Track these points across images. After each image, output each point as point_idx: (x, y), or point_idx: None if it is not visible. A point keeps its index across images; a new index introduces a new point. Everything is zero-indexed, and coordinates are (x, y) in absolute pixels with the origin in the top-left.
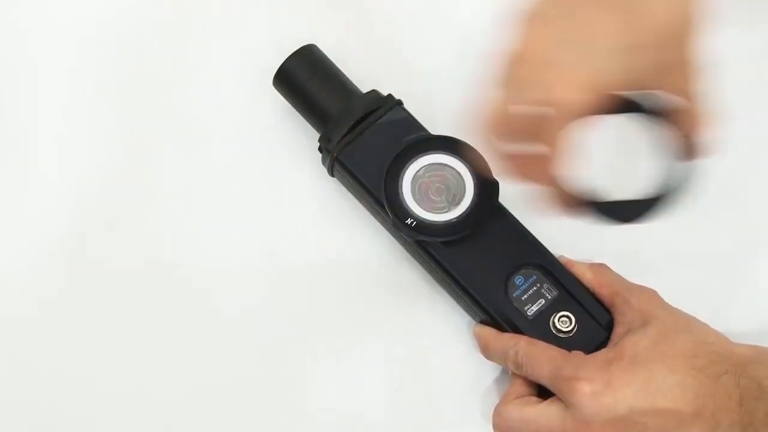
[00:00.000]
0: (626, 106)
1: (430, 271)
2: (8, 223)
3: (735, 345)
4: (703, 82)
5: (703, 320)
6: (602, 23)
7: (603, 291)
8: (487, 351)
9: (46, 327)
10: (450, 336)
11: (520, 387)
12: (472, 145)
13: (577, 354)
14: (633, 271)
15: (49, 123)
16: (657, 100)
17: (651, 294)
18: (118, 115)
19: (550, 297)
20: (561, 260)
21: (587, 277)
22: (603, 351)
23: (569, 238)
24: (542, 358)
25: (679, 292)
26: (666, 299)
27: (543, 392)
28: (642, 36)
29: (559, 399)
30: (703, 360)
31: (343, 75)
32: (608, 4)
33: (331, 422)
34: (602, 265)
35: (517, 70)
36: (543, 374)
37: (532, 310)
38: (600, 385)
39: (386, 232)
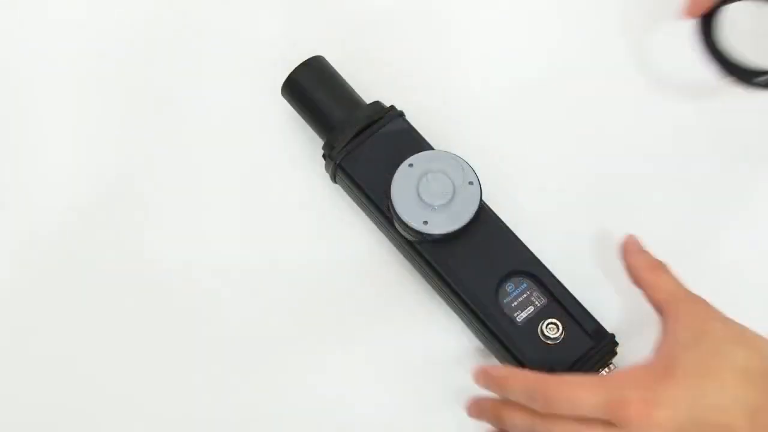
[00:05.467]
0: None
1: (425, 276)
2: (8, 223)
3: None
4: None
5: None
6: None
7: (657, 296)
8: (503, 389)
9: (43, 327)
10: (446, 341)
11: None
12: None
13: (618, 374)
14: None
15: (53, 125)
16: None
17: (703, 305)
18: (125, 120)
19: (539, 304)
20: (629, 242)
21: (644, 276)
22: (649, 365)
23: (559, 246)
24: (580, 390)
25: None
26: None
27: None
28: None
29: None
30: (755, 372)
31: (349, 86)
32: None
33: (330, 423)
34: (661, 266)
35: None
36: (585, 404)
37: (522, 316)
38: (652, 403)
39: (385, 238)
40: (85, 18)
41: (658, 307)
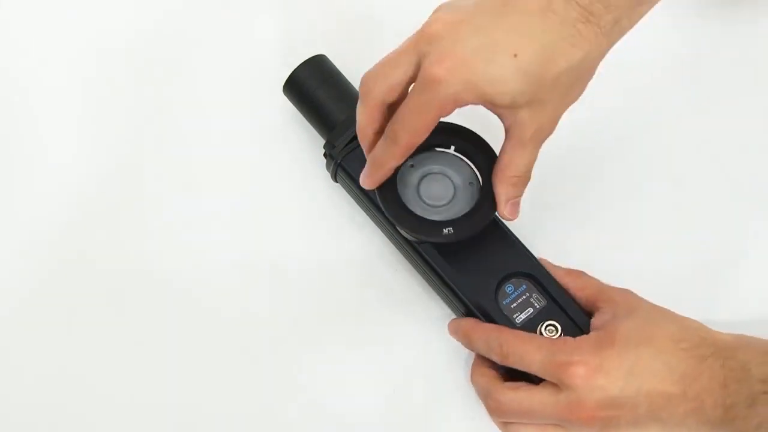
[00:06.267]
0: (460, 134)
1: (424, 276)
2: (6, 224)
3: (718, 332)
4: (533, 154)
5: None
6: (517, 44)
7: (583, 294)
8: (469, 341)
9: (45, 324)
10: (445, 341)
11: (495, 371)
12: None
13: (566, 339)
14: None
15: (56, 124)
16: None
17: (632, 292)
18: (125, 119)
19: (538, 306)
20: (541, 262)
21: (564, 282)
22: (592, 335)
23: (557, 248)
24: (530, 347)
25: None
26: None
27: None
28: (541, 75)
29: (551, 383)
30: (688, 343)
31: (350, 84)
32: (531, 33)
33: (328, 422)
34: (579, 271)
35: (415, 40)
36: (533, 362)
37: (521, 318)
38: (593, 368)
39: (385, 238)
40: (86, 20)
41: (590, 302)
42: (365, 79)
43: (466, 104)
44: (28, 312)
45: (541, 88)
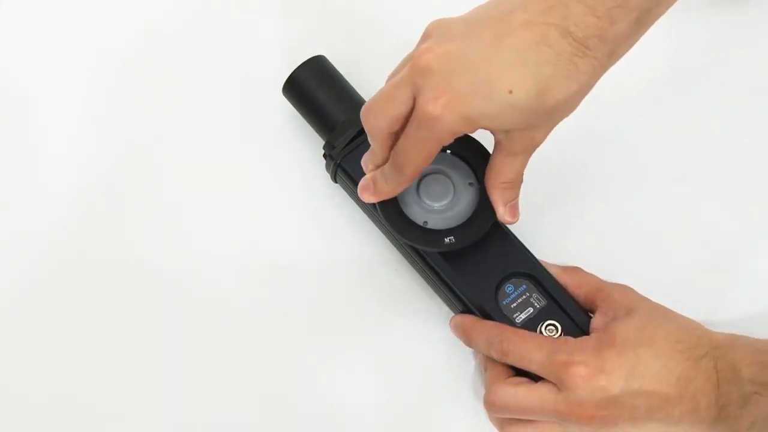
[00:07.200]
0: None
1: (424, 276)
2: (6, 223)
3: (712, 332)
4: (524, 163)
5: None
6: (512, 80)
7: (581, 291)
8: (469, 338)
9: (46, 323)
10: (445, 341)
11: (503, 367)
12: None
13: (567, 339)
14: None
15: (56, 124)
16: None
17: (630, 288)
18: (126, 121)
19: (538, 306)
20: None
21: (562, 280)
22: (593, 336)
23: (556, 247)
24: (531, 346)
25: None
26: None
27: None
28: (536, 109)
29: (550, 382)
30: (685, 344)
31: (350, 85)
32: (526, 68)
33: (328, 423)
34: (576, 268)
35: (408, 73)
36: (534, 360)
37: (521, 318)
38: (594, 369)
39: (385, 238)
40: (86, 20)
41: (588, 300)
42: (365, 115)
43: (463, 134)
44: (28, 312)
45: (536, 118)
